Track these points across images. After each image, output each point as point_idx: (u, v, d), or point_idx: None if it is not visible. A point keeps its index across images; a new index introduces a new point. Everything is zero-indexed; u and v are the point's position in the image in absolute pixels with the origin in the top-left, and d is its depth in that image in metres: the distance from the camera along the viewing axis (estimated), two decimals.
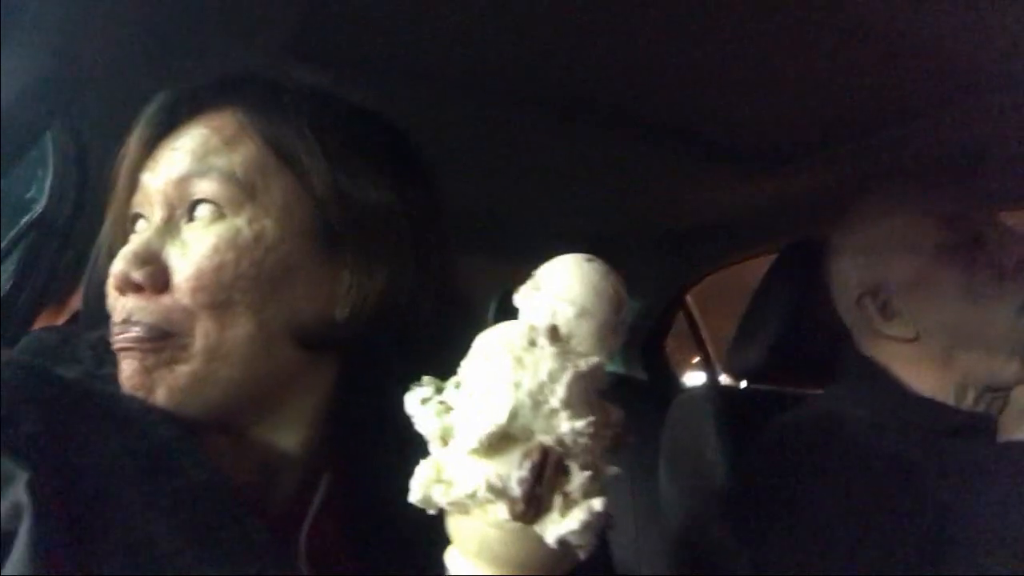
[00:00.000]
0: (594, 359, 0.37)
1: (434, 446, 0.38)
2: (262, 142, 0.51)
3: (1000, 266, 0.81)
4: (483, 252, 1.96)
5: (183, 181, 0.49)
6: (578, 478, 0.35)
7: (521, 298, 0.40)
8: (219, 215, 0.49)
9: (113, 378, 0.49)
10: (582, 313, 0.38)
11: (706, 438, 1.01)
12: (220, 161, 0.50)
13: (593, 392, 0.38)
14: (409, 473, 0.38)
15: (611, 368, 2.07)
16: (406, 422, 0.39)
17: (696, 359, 1.99)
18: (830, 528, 0.75)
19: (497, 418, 0.35)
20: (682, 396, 1.12)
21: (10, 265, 0.97)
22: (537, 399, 0.35)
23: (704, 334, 1.91)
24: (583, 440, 0.35)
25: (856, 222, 0.92)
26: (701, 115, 1.06)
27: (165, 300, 0.48)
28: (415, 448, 0.39)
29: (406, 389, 0.41)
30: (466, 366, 0.38)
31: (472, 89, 0.98)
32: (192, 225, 0.49)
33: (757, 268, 1.26)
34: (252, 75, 0.56)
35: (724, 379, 1.77)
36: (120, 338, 0.48)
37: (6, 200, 1.01)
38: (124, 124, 0.53)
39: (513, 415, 0.35)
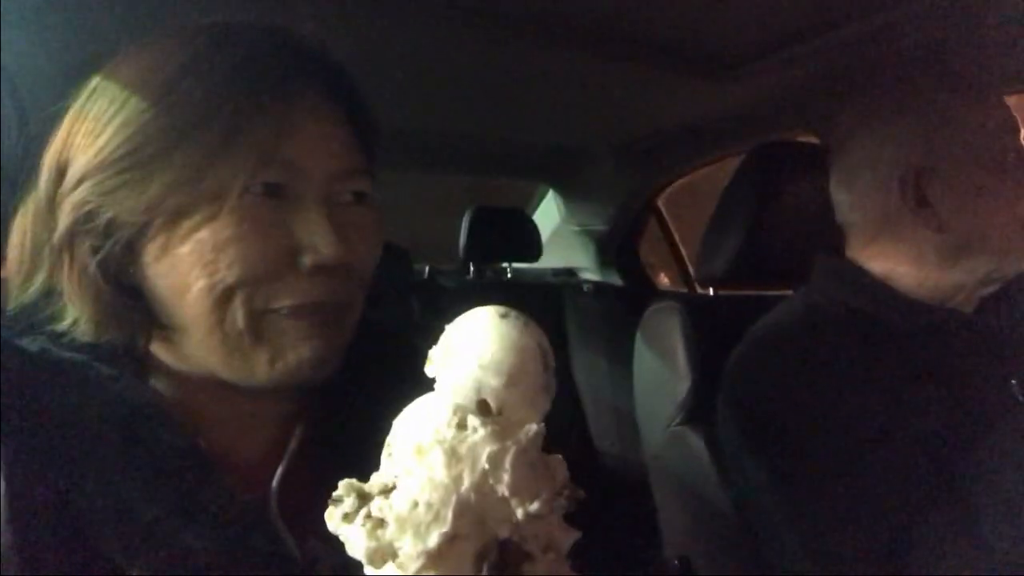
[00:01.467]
0: (531, 427, 0.34)
1: (371, 569, 0.32)
2: (360, 137, 0.55)
3: None
4: (452, 170, 1.93)
5: (348, 175, 0.52)
6: (542, 563, 0.33)
7: (437, 368, 0.36)
8: (368, 202, 0.54)
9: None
10: (509, 382, 0.34)
11: (675, 349, 1.02)
12: (366, 158, 0.55)
13: (536, 457, 0.35)
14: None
15: (588, 276, 2.07)
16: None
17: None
18: (812, 431, 0.75)
19: (442, 526, 0.32)
20: (652, 308, 1.12)
21: None
22: (483, 491, 0.33)
23: (677, 239, 1.90)
24: (539, 520, 0.33)
25: (909, 101, 0.84)
26: (658, 22, 1.01)
27: (347, 277, 0.51)
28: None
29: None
30: (392, 463, 0.35)
31: (431, 6, 0.95)
32: (355, 209, 0.53)
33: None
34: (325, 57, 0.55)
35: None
36: (314, 318, 0.49)
37: None
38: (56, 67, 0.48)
39: (459, 515, 0.32)
